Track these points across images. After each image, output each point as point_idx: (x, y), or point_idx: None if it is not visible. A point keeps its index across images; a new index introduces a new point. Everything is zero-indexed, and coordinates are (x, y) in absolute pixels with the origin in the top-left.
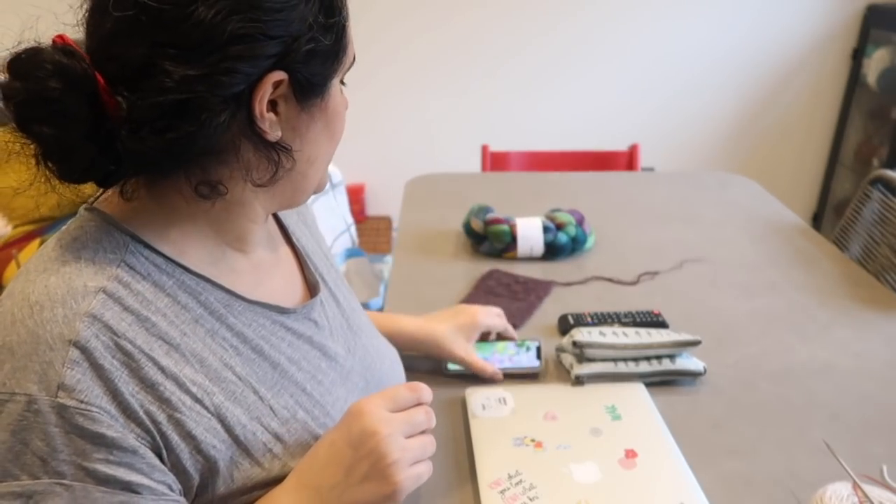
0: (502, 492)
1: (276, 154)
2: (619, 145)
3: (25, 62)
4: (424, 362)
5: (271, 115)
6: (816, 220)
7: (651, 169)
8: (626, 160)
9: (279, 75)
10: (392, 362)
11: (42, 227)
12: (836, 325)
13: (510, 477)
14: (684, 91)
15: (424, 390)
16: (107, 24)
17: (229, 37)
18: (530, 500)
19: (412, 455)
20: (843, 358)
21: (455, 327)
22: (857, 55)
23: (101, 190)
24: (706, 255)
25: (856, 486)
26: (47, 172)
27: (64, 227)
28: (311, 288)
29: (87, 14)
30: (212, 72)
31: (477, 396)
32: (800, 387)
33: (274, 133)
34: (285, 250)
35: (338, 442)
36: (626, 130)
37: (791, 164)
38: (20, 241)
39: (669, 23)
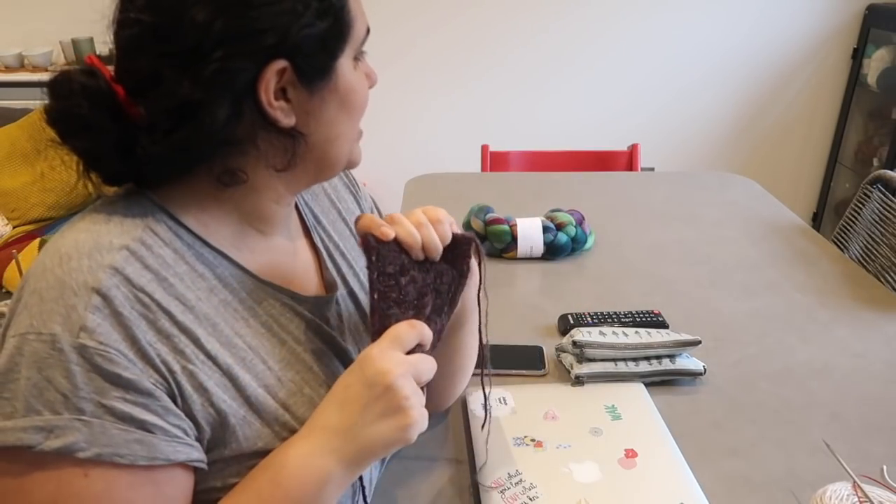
0: (502, 492)
1: (292, 139)
2: (620, 145)
3: (57, 84)
4: None
5: (282, 104)
6: (816, 220)
7: (651, 169)
8: (626, 160)
9: (280, 64)
10: None
11: (42, 227)
12: (836, 325)
13: (510, 477)
14: (684, 91)
15: (421, 326)
16: (121, 42)
17: (218, 38)
18: (530, 499)
19: (420, 399)
20: (843, 358)
21: None
22: (857, 55)
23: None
24: (706, 255)
25: (856, 486)
26: (92, 179)
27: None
28: (328, 287)
29: (112, 33)
30: (208, 74)
31: (477, 396)
32: (800, 387)
33: (287, 120)
34: (303, 244)
35: (353, 384)
36: (627, 130)
37: (791, 164)
38: (20, 241)
39: (669, 23)
